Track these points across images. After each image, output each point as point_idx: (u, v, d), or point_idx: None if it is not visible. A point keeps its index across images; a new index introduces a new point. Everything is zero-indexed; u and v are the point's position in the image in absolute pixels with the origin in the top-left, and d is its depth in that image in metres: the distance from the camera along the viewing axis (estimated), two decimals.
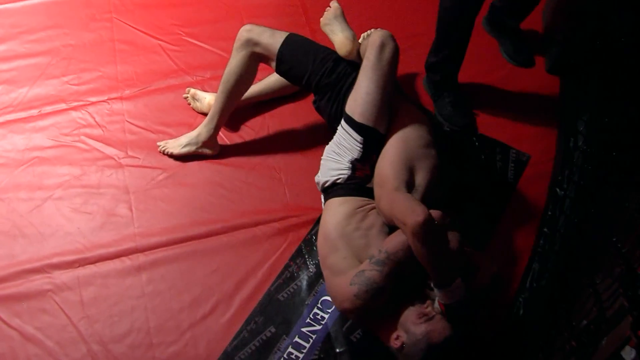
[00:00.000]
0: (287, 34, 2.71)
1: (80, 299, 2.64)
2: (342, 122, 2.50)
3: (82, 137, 3.11)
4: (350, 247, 2.28)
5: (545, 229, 2.74)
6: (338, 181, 2.48)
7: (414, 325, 2.10)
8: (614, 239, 1.69)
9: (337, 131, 2.54)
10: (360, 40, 2.69)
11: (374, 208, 2.41)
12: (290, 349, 2.50)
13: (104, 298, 2.64)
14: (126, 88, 3.28)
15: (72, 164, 3.03)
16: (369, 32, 2.72)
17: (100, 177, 2.98)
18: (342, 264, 2.26)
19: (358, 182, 2.46)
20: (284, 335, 2.53)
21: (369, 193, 2.44)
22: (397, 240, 2.16)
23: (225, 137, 3.07)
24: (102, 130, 3.13)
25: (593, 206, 2.54)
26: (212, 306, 2.61)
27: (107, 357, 2.50)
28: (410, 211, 2.08)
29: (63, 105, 3.22)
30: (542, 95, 3.18)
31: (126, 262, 2.72)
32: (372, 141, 2.42)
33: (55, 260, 2.73)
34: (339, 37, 2.64)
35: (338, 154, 2.50)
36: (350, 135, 2.45)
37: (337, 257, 2.28)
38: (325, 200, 2.52)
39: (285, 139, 3.07)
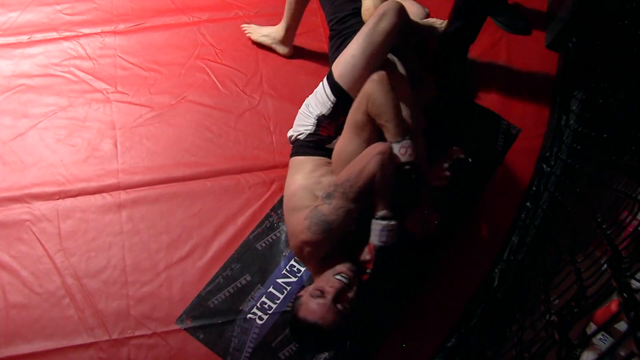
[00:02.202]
0: None
1: (58, 231, 2.62)
2: (325, 76, 2.47)
3: (72, 69, 3.05)
4: (308, 196, 2.27)
5: (528, 204, 2.73)
6: (300, 137, 2.44)
7: (305, 293, 2.10)
8: (599, 220, 1.68)
9: (321, 82, 2.51)
10: None
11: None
12: (264, 299, 2.50)
13: (82, 232, 2.63)
14: (120, 22, 3.20)
15: (60, 95, 2.98)
16: None
17: (87, 110, 2.93)
18: (300, 204, 2.25)
19: (318, 140, 2.43)
20: (259, 285, 2.53)
21: (328, 153, 2.41)
22: (345, 171, 2.16)
23: (218, 83, 3.02)
24: (93, 63, 3.07)
25: (578, 185, 2.53)
26: (190, 249, 2.60)
27: (81, 291, 2.50)
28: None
29: (54, 34, 3.15)
30: (539, 71, 3.13)
31: (107, 198, 2.70)
32: (343, 104, 2.38)
33: (35, 190, 2.71)
34: (366, 2, 2.54)
35: (310, 106, 2.45)
36: (325, 90, 2.41)
37: (297, 202, 2.27)
38: (290, 157, 2.49)
39: (277, 88, 3.02)
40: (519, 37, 3.20)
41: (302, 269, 2.55)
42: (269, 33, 3.09)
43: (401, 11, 2.36)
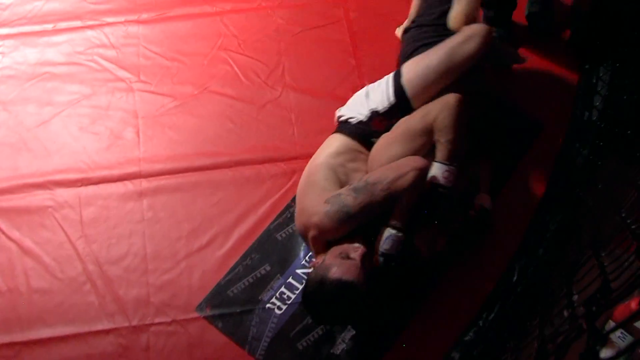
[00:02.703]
0: None
1: (80, 218, 2.65)
2: (393, 72, 2.46)
3: (96, 57, 3.08)
4: (331, 176, 2.30)
5: (548, 200, 2.71)
6: (350, 120, 2.46)
7: (330, 257, 2.13)
8: (623, 215, 1.68)
9: (386, 76, 2.50)
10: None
11: (366, 157, 2.41)
12: (283, 289, 2.51)
13: (104, 219, 2.65)
14: (144, 12, 3.22)
15: (83, 83, 3.01)
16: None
17: (110, 99, 2.96)
18: (322, 184, 2.28)
19: (366, 130, 2.44)
20: (279, 275, 2.54)
21: (369, 145, 2.43)
22: (379, 173, 2.19)
23: (240, 74, 3.03)
24: (116, 52, 3.10)
25: (600, 181, 2.51)
26: (210, 238, 2.61)
27: (102, 277, 2.52)
28: None
29: (79, 23, 3.18)
30: (564, 66, 3.10)
31: (129, 186, 2.72)
32: (401, 107, 2.39)
33: (58, 177, 2.74)
34: (457, 8, 2.49)
35: (368, 96, 2.47)
36: (388, 88, 2.42)
37: (319, 177, 2.30)
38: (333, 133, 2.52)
39: (299, 80, 3.02)
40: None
41: None
42: None
43: (489, 37, 2.37)
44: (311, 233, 2.21)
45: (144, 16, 3.21)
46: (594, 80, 2.99)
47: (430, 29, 2.52)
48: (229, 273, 2.54)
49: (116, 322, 2.44)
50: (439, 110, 2.24)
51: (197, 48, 3.12)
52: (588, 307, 1.29)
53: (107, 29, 3.17)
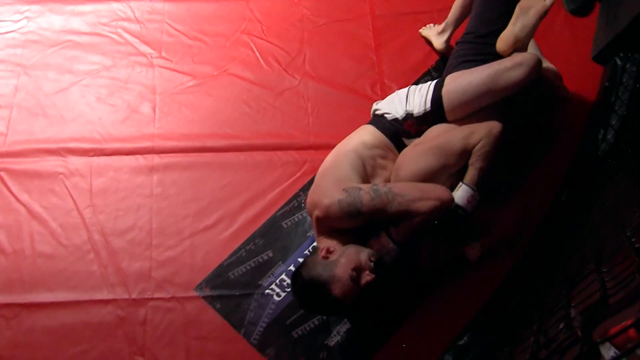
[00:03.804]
0: None
1: (90, 187, 2.67)
2: (437, 80, 2.47)
3: (119, 30, 3.10)
4: (358, 166, 2.30)
5: (555, 213, 2.71)
6: (386, 115, 2.47)
7: (343, 267, 2.11)
8: (628, 234, 1.68)
9: (430, 82, 2.51)
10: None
11: (394, 157, 2.41)
12: (283, 276, 2.52)
13: (113, 191, 2.67)
14: None
15: (105, 54, 3.03)
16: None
17: (130, 72, 2.98)
18: (347, 170, 2.28)
19: (400, 128, 2.45)
20: (280, 262, 2.55)
21: (399, 144, 2.44)
22: (405, 187, 2.18)
23: (261, 59, 3.04)
24: (140, 27, 3.11)
25: (608, 199, 2.51)
26: (216, 220, 2.62)
27: (106, 247, 2.54)
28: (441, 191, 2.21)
29: None
30: (583, 80, 3.08)
31: (140, 160, 2.74)
32: (434, 118, 2.40)
33: (72, 145, 2.77)
34: (510, 30, 2.45)
35: (407, 98, 2.47)
36: (427, 94, 2.42)
37: (346, 163, 2.30)
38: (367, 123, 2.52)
39: (319, 70, 3.02)
40: (562, 47, 3.15)
41: None
42: (434, 27, 3.10)
43: (537, 68, 2.33)
44: (316, 212, 2.22)
45: None
46: (613, 99, 2.97)
47: (479, 46, 2.51)
48: (231, 255, 2.56)
49: (116, 293, 2.46)
50: (483, 135, 2.24)
51: (220, 30, 3.13)
52: (585, 316, 1.30)
53: (133, 3, 3.18)
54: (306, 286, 2.15)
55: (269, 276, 2.53)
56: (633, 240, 1.55)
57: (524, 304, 2.37)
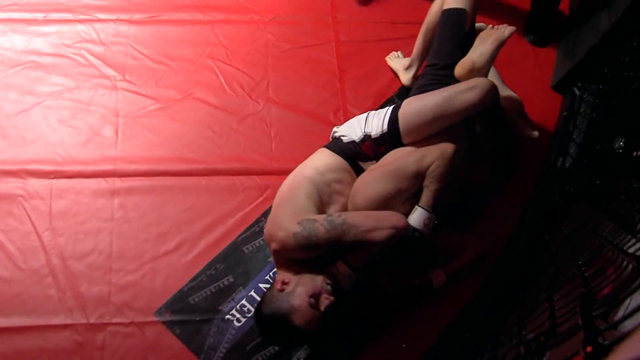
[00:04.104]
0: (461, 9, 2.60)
1: (50, 210, 2.64)
2: (396, 104, 2.50)
3: (83, 52, 3.09)
4: (313, 195, 2.31)
5: (513, 242, 2.75)
6: (343, 138, 2.49)
7: (301, 296, 2.14)
8: (580, 262, 1.72)
9: (390, 105, 2.54)
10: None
11: (351, 180, 2.43)
12: (244, 301, 2.52)
13: (73, 214, 2.65)
14: (137, 12, 3.24)
15: (68, 76, 3.01)
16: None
17: (93, 94, 2.96)
18: (302, 200, 2.28)
19: (356, 151, 2.46)
20: (241, 287, 2.55)
21: (356, 168, 2.46)
22: (360, 217, 2.20)
23: (225, 83, 3.05)
24: (104, 49, 3.11)
25: (566, 227, 2.56)
26: (177, 244, 2.62)
27: (65, 271, 2.51)
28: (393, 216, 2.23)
29: (70, 16, 3.19)
30: (543, 109, 3.14)
31: (102, 183, 2.72)
32: (390, 139, 2.42)
33: (32, 167, 2.74)
34: (469, 56, 2.51)
35: (365, 120, 2.49)
36: (385, 117, 2.44)
37: (301, 192, 2.31)
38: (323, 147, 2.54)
39: (283, 96, 3.05)
40: (524, 76, 3.22)
41: None
42: (402, 60, 3.16)
43: (491, 93, 2.36)
44: (273, 245, 2.24)
45: (136, 17, 3.22)
46: (571, 128, 3.04)
47: (440, 77, 2.56)
48: (192, 280, 2.55)
49: (74, 318, 2.43)
50: (435, 157, 2.27)
51: (185, 54, 3.14)
52: (528, 347, 1.33)
53: (97, 25, 3.18)
54: (268, 322, 2.17)
55: (230, 301, 2.52)
56: (583, 269, 1.59)
57: (482, 331, 2.39)
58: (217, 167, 2.80)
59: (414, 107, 2.40)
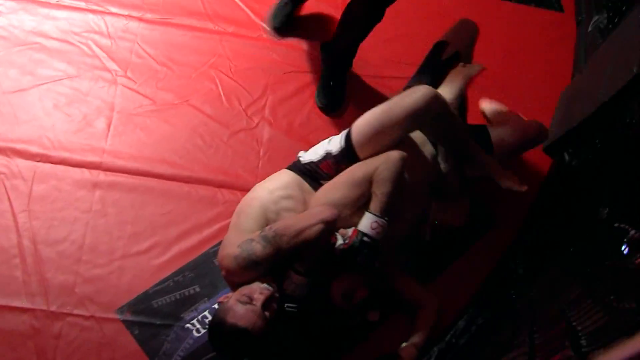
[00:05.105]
0: None
1: (29, 192, 2.66)
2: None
3: (89, 42, 3.10)
4: (258, 216, 2.34)
5: (482, 296, 2.78)
6: (301, 158, 2.51)
7: (233, 299, 2.18)
8: (534, 328, 1.75)
9: None
10: None
11: (305, 198, 2.43)
12: (206, 313, 2.53)
13: (52, 200, 2.66)
14: (149, 12, 3.26)
15: (70, 63, 3.03)
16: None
17: (92, 85, 2.98)
18: (248, 222, 2.32)
19: (314, 170, 2.47)
20: (206, 298, 2.56)
21: (316, 186, 2.47)
22: (287, 222, 2.25)
23: (223, 95, 3.08)
24: (111, 43, 3.12)
25: (533, 289, 2.60)
26: (150, 246, 2.63)
27: (34, 255, 2.53)
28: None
29: (82, 4, 3.21)
30: (532, 168, 3.18)
31: (85, 174, 2.74)
32: (348, 156, 2.44)
33: (19, 146, 2.75)
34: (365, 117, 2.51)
35: (330, 140, 2.52)
36: (344, 133, 2.48)
37: (248, 214, 2.35)
38: None
39: (278, 117, 3.07)
40: None
41: None
42: None
43: (432, 98, 2.35)
44: (222, 272, 2.29)
45: (148, 16, 3.24)
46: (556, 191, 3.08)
47: None
48: (158, 284, 2.56)
49: (35, 303, 2.44)
50: (381, 162, 2.30)
51: (189, 60, 3.16)
52: None
53: (108, 18, 3.19)
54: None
55: (192, 310, 2.53)
56: (535, 336, 1.62)
57: None
58: (202, 176, 2.82)
59: (364, 117, 2.43)
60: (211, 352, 2.45)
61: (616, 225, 2.37)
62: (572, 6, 3.73)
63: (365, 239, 2.24)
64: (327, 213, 2.23)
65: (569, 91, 3.31)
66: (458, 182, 2.62)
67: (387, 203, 2.28)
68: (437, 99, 2.36)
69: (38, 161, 2.73)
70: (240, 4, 3.38)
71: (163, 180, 2.78)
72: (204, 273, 2.61)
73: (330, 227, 2.22)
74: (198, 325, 2.50)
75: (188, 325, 2.50)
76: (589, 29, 3.48)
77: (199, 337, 2.48)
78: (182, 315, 2.52)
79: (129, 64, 3.08)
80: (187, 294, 2.56)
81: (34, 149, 2.76)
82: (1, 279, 2.47)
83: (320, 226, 2.19)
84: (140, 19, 3.22)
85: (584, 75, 3.26)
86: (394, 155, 2.32)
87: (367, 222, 2.26)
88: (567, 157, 3.13)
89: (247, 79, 3.15)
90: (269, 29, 3.31)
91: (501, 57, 3.29)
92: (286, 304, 2.26)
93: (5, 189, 2.64)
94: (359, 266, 2.32)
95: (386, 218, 2.27)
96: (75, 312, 2.45)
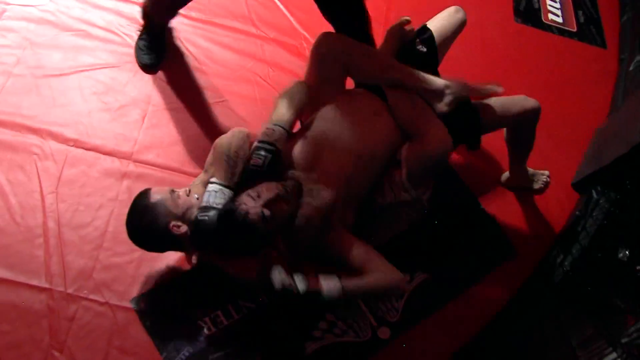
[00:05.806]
0: None
1: (59, 174, 2.70)
2: None
3: (134, 34, 3.15)
4: None
5: (488, 332, 2.75)
6: None
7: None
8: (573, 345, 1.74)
9: None
10: None
11: None
12: (219, 312, 2.52)
13: (80, 185, 2.70)
14: (194, 10, 3.29)
15: (113, 53, 3.09)
16: None
17: (131, 77, 3.03)
18: None
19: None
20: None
21: None
22: None
23: (259, 100, 3.11)
24: None
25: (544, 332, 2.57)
26: None
27: (57, 237, 2.56)
28: None
29: None
30: (558, 203, 3.16)
31: (115, 163, 2.78)
32: None
33: (54, 129, 2.81)
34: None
35: None
36: None
37: None
38: None
39: None
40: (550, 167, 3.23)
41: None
42: None
43: (328, 39, 2.49)
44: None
45: (193, 14, 3.28)
46: (579, 229, 3.05)
47: None
48: (175, 279, 2.57)
49: (53, 283, 2.47)
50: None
51: (228, 61, 3.20)
52: None
53: None
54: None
55: (206, 308, 2.54)
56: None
57: None
58: None
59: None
60: (220, 351, 2.45)
61: (638, 267, 2.35)
62: (615, 43, 3.71)
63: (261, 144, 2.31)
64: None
65: (604, 128, 3.28)
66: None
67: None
68: (330, 36, 2.49)
69: (71, 145, 2.78)
70: (285, 10, 3.42)
71: (191, 178, 2.78)
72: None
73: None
74: (210, 324, 2.50)
75: (200, 322, 2.50)
76: (631, 67, 3.46)
77: (209, 335, 2.48)
78: (196, 312, 2.52)
79: (168, 58, 3.12)
80: (202, 292, 2.56)
81: (68, 133, 2.81)
82: (23, 256, 2.50)
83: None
84: (185, 16, 3.26)
85: (620, 113, 3.24)
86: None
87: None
88: (595, 195, 3.09)
89: (283, 86, 3.15)
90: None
91: (540, 88, 3.25)
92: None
93: (37, 169, 2.68)
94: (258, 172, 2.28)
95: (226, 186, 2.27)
96: (91, 297, 2.47)
